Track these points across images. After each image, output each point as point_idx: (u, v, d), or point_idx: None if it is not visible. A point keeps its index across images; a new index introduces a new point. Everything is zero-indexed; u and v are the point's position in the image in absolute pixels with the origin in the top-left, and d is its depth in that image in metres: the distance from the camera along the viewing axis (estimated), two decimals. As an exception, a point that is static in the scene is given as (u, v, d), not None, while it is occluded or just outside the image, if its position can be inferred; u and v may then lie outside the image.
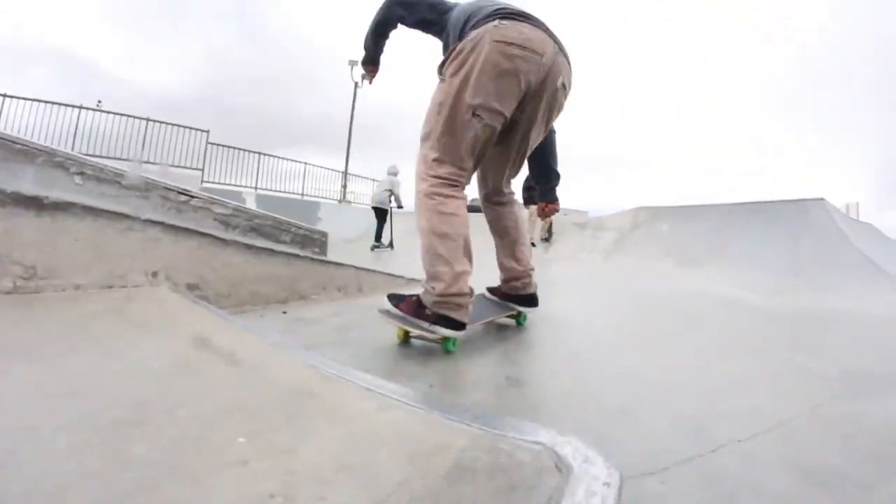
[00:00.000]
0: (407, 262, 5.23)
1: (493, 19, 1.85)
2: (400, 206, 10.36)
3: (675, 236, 7.48)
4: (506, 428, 0.88)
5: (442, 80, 1.94)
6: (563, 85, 2.06)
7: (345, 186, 16.36)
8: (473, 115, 1.85)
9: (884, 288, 4.54)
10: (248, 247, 3.31)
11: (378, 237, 10.78)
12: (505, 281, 2.63)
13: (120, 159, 12.05)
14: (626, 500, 1.06)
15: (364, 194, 17.11)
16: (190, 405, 1.03)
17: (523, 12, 1.92)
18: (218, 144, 14.48)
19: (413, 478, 0.72)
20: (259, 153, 15.18)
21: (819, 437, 1.54)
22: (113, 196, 3.03)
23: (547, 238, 9.52)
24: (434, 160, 1.95)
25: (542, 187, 2.80)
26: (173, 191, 3.43)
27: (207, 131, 13.98)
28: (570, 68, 2.09)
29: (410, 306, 2.12)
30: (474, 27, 1.88)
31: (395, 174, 10.40)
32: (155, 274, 2.64)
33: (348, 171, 16.57)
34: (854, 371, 2.28)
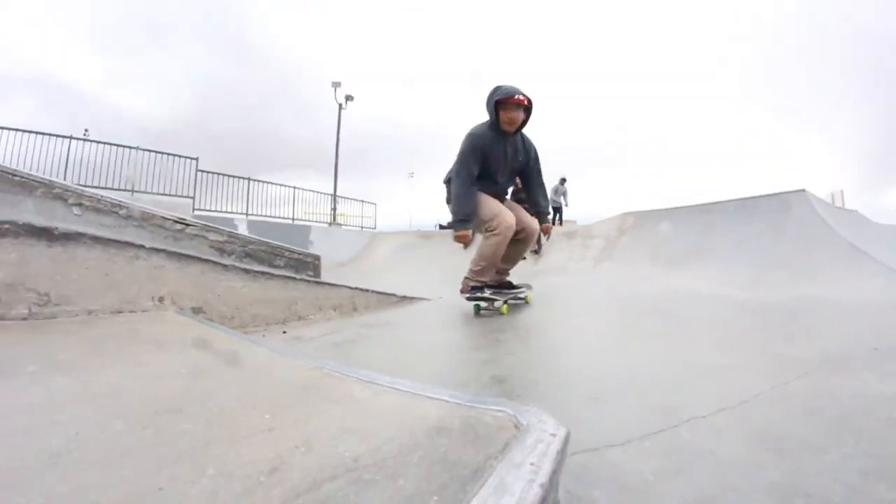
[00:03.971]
0: (396, 281, 5.38)
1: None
2: (567, 204, 14.47)
3: (661, 239, 7.57)
4: (476, 402, 1.05)
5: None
6: None
7: (334, 209, 16.43)
8: None
9: (869, 271, 4.52)
10: (247, 272, 3.44)
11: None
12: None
13: (111, 189, 11.86)
14: (591, 468, 1.22)
15: (354, 216, 17.29)
16: (216, 397, 1.22)
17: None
18: (207, 172, 14.43)
19: (401, 434, 0.90)
20: (248, 179, 15.20)
21: (783, 410, 1.64)
22: (112, 226, 3.15)
23: (536, 250, 9.54)
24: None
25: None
26: (169, 219, 3.58)
27: (196, 159, 13.97)
28: None
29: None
30: None
31: (565, 181, 14.26)
32: (161, 299, 2.77)
33: (337, 194, 16.69)
34: (832, 353, 2.36)
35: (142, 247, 2.79)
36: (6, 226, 2.19)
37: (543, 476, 0.71)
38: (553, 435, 0.84)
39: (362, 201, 17.80)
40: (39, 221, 2.45)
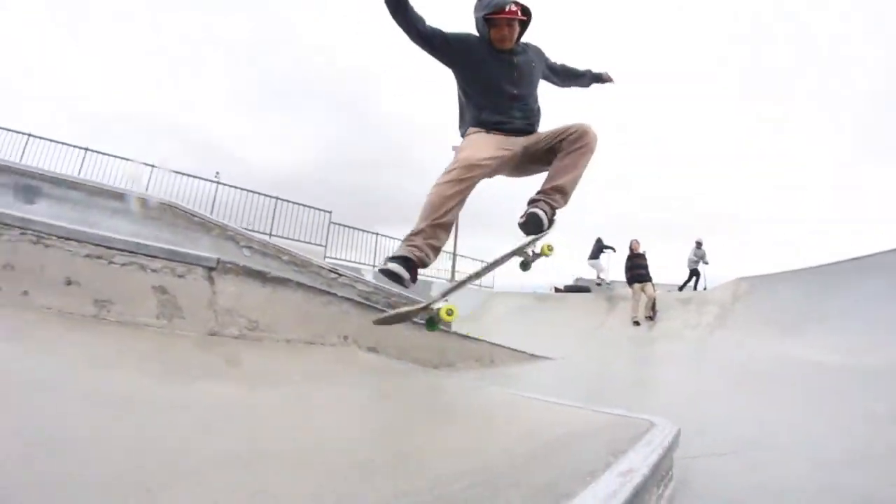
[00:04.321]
0: (514, 341, 6.04)
1: None
2: (706, 263, 14.35)
3: (775, 305, 7.58)
4: (625, 413, 1.89)
5: None
6: None
7: (454, 266, 17.49)
8: None
9: None
10: (413, 322, 3.88)
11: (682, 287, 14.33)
12: None
13: (249, 231, 12.58)
14: (691, 468, 1.96)
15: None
16: (461, 404, 2.14)
17: None
18: (339, 224, 15.79)
19: (586, 426, 1.75)
20: (376, 234, 16.55)
21: (840, 444, 2.27)
22: (276, 269, 3.55)
23: (651, 316, 9.81)
24: None
25: None
26: (325, 268, 4.33)
27: (330, 212, 15.46)
28: None
29: None
30: None
31: (701, 244, 14.36)
32: (346, 337, 3.31)
33: (457, 253, 17.77)
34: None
35: (334, 295, 3.39)
36: (229, 265, 2.78)
37: (668, 440, 1.53)
38: (671, 428, 1.64)
39: (481, 261, 18.80)
40: (253, 265, 3.03)
